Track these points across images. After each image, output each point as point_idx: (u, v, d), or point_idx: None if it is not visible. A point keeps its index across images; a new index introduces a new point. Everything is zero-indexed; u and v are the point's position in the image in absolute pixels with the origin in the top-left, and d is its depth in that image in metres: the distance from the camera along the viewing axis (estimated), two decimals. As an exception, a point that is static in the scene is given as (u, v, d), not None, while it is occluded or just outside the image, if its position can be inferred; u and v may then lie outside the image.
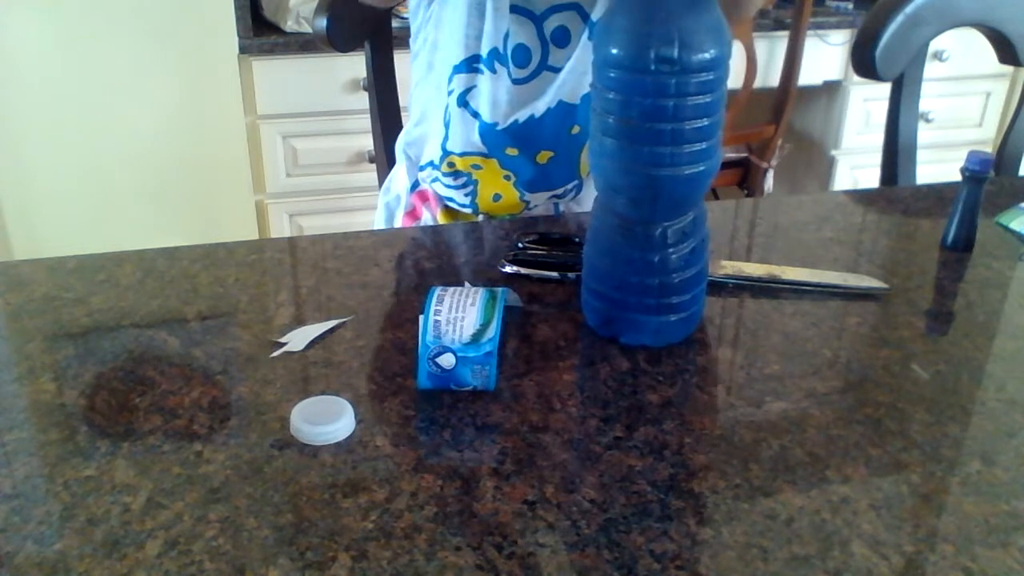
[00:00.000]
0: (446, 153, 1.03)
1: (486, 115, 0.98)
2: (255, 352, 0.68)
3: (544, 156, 1.00)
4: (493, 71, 0.95)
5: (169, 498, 0.53)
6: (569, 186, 1.04)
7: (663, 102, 0.60)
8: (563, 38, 0.95)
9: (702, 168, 0.63)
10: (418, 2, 1.01)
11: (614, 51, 0.61)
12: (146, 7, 1.90)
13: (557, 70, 0.96)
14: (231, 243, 0.86)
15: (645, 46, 0.59)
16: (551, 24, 0.94)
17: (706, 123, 0.62)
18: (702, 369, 0.67)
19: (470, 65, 0.97)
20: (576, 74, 0.96)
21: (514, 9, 0.93)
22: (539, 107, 0.97)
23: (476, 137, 1.00)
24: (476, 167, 1.02)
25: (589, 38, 0.94)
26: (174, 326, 0.72)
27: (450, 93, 0.99)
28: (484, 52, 0.95)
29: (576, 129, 0.99)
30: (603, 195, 0.68)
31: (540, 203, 1.05)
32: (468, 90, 0.98)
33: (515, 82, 0.96)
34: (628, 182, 0.64)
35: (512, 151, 1.00)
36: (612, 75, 0.62)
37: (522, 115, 0.98)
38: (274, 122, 2.11)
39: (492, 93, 0.96)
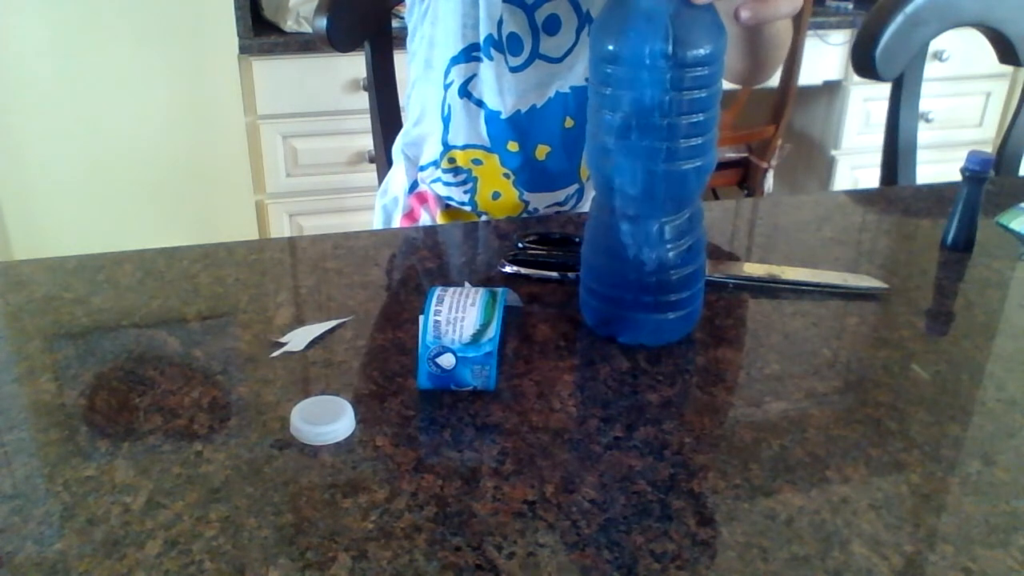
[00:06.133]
0: (447, 148, 1.03)
1: (491, 103, 0.98)
2: (255, 352, 0.68)
3: (542, 151, 1.00)
4: (491, 58, 0.96)
5: (169, 498, 0.53)
6: (571, 190, 1.04)
7: (658, 97, 0.60)
8: (554, 26, 0.96)
9: (699, 164, 0.63)
10: (413, 0, 1.01)
11: (610, 47, 0.61)
12: (146, 7, 1.90)
13: (550, 59, 0.97)
14: (231, 243, 0.86)
15: (640, 41, 0.59)
16: (543, 13, 0.95)
17: (701, 118, 0.62)
18: (702, 369, 0.67)
19: (469, 55, 0.97)
20: (574, 67, 0.96)
21: None
22: (541, 98, 0.98)
23: (482, 127, 1.00)
24: (477, 162, 1.02)
25: (588, 34, 0.95)
26: (174, 326, 0.72)
27: (448, 86, 0.99)
28: (481, 40, 0.95)
29: (570, 122, 0.99)
30: (600, 192, 0.68)
31: (541, 207, 1.05)
32: (469, 80, 0.98)
33: (511, 70, 0.97)
34: (624, 178, 0.64)
35: (513, 146, 1.00)
36: (608, 71, 0.62)
37: (524, 105, 0.98)
38: (274, 122, 2.11)
39: (495, 81, 0.97)
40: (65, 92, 1.92)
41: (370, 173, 2.16)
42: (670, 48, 0.59)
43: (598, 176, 0.66)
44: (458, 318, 0.61)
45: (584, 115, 0.66)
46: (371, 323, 0.73)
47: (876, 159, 1.37)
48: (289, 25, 2.06)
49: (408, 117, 1.10)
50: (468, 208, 1.07)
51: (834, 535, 0.51)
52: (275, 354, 0.68)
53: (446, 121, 1.02)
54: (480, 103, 0.99)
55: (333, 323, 0.72)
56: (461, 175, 1.04)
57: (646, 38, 0.59)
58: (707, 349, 0.70)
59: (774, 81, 2.35)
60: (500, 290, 0.64)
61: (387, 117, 1.27)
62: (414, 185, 1.12)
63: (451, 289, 0.63)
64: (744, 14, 0.66)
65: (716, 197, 2.65)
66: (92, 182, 2.02)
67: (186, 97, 2.00)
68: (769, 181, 2.37)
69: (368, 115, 1.29)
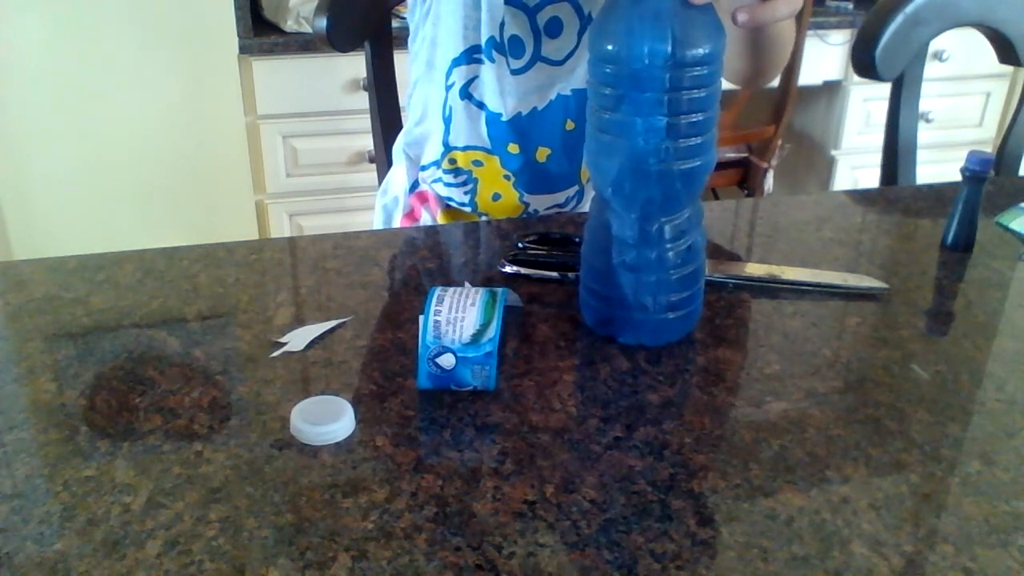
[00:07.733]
0: (448, 149, 1.03)
1: (492, 105, 0.98)
2: (255, 352, 0.68)
3: (543, 153, 1.01)
4: (493, 60, 0.96)
5: (169, 498, 0.53)
6: (571, 192, 1.04)
7: (658, 97, 0.60)
8: (556, 29, 0.96)
9: (698, 163, 0.63)
10: (415, 0, 1.01)
11: (609, 47, 0.61)
12: (146, 7, 1.90)
13: (552, 62, 0.97)
14: (231, 243, 0.86)
15: (639, 41, 0.59)
16: (544, 15, 0.95)
17: (701, 118, 0.62)
18: (702, 369, 0.67)
19: (470, 56, 0.97)
20: (575, 70, 0.96)
21: (508, 0, 0.93)
22: (542, 100, 0.98)
23: (483, 129, 1.00)
24: (477, 163, 1.02)
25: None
26: (174, 326, 0.72)
27: (450, 87, 1.00)
28: (483, 41, 0.95)
29: (571, 125, 0.99)
30: (599, 192, 0.68)
31: (541, 209, 1.06)
32: (470, 81, 0.98)
33: (513, 72, 0.97)
34: (624, 178, 0.64)
35: (514, 148, 1.00)
36: (607, 71, 0.62)
37: (525, 107, 0.98)
38: (274, 122, 2.11)
39: (496, 83, 0.97)
40: (65, 92, 1.92)
41: (370, 173, 2.16)
42: (669, 48, 0.59)
43: (598, 175, 0.66)
44: (458, 318, 0.61)
45: (585, 117, 0.66)
46: (371, 323, 0.73)
47: (876, 159, 1.37)
48: (289, 25, 2.06)
49: (410, 117, 1.10)
50: (468, 209, 1.07)
51: (834, 535, 0.51)
52: (275, 354, 0.68)
53: (447, 122, 1.02)
54: (481, 105, 0.99)
55: (333, 323, 0.72)
56: (461, 176, 1.04)
57: (645, 38, 0.59)
58: (707, 349, 0.70)
59: (774, 81, 2.35)
60: (500, 290, 0.64)
61: (387, 117, 1.27)
62: (415, 184, 1.12)
63: (451, 289, 0.63)
64: (741, 17, 0.66)
65: (716, 197, 2.65)
66: (92, 182, 2.02)
67: (186, 97, 2.00)
68: (769, 181, 2.37)
69: (368, 115, 1.29)
